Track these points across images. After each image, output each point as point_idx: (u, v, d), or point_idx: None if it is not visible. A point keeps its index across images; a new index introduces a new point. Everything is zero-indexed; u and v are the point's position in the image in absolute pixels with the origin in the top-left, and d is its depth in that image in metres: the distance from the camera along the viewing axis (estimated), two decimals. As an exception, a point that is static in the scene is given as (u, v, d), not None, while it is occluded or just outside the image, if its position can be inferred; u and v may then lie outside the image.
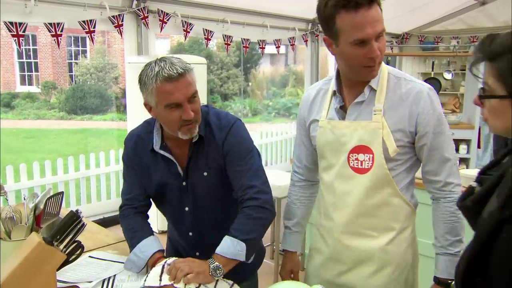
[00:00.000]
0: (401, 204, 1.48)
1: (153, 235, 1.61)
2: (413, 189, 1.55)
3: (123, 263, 1.57)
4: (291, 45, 5.94)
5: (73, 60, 16.44)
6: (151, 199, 1.69)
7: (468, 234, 1.22)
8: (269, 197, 1.53)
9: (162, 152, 1.56)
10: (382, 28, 1.32)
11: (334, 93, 1.51)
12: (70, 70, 16.46)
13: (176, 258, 1.46)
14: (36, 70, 16.38)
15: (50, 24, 3.65)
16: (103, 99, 14.43)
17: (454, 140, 5.49)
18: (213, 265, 1.37)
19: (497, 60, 0.92)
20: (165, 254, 1.59)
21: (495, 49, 0.92)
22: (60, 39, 3.80)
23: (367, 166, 1.44)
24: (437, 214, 1.51)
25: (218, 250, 1.42)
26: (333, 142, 1.49)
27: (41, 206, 1.44)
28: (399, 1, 5.69)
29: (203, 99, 4.63)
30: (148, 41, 4.44)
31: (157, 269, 1.39)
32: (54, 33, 3.69)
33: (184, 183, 1.58)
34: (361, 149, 1.44)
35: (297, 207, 1.72)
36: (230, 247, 1.41)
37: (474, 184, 1.05)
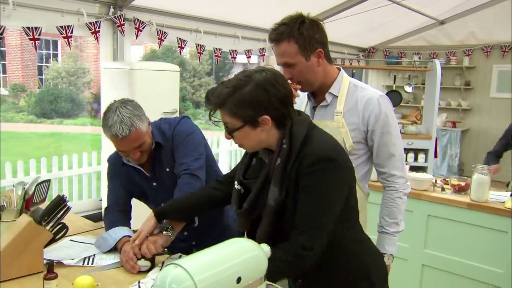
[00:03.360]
0: (358, 190, 1.72)
1: (129, 227, 1.86)
2: (368, 179, 1.86)
3: (101, 245, 1.76)
4: (261, 55, 6.20)
5: (44, 64, 16.26)
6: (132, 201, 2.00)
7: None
8: (199, 166, 1.83)
9: (129, 163, 1.88)
10: (285, 60, 1.66)
11: (308, 96, 1.85)
12: (40, 73, 16.26)
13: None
14: (4, 72, 16.12)
15: (28, 28, 3.77)
16: (75, 103, 14.34)
17: (414, 149, 5.78)
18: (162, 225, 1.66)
19: (225, 105, 1.26)
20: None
21: (217, 100, 1.26)
22: (38, 43, 3.92)
23: None
24: (382, 199, 1.81)
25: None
26: None
27: (30, 192, 1.61)
28: (366, 17, 6.04)
29: (175, 106, 4.82)
30: (123, 48, 4.60)
31: (156, 268, 1.59)
32: (32, 37, 3.81)
33: (154, 184, 1.88)
34: None
35: None
36: None
37: (238, 187, 1.40)
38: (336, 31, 5.98)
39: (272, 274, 1.09)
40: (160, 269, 1.53)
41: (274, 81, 1.26)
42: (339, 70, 1.80)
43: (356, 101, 1.73)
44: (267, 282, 0.97)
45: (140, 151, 1.75)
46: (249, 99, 1.23)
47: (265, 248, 0.95)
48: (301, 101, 1.92)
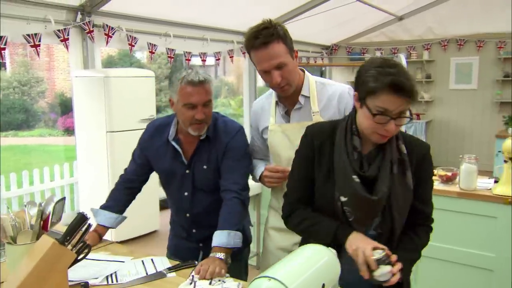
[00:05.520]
0: None
1: (120, 213, 1.95)
2: None
3: (119, 261, 1.70)
4: (230, 57, 6.19)
5: (-10, 74, 15.44)
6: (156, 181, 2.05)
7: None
8: (248, 195, 1.86)
9: (173, 143, 1.85)
10: (279, 61, 1.66)
11: (276, 103, 1.86)
12: (-12, 85, 15.44)
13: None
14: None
15: (-7, 37, 3.59)
16: (29, 114, 13.74)
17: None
18: (221, 255, 1.64)
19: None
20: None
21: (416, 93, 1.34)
22: (4, 52, 3.74)
23: None
24: None
25: (219, 243, 1.67)
26: (285, 140, 1.83)
27: (47, 212, 1.53)
28: (328, 15, 6.15)
29: (152, 112, 4.74)
30: (94, 55, 4.46)
31: (187, 281, 1.54)
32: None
33: (187, 171, 1.86)
34: None
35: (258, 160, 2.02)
36: (229, 238, 1.69)
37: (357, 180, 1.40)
38: (300, 30, 6.06)
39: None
40: (191, 283, 1.50)
41: None
42: (303, 71, 1.86)
43: (329, 97, 1.81)
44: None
45: (205, 114, 1.74)
46: None
47: (334, 251, 0.94)
48: (258, 113, 1.93)
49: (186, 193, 1.89)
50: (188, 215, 1.92)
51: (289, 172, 1.58)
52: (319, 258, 0.89)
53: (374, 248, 1.25)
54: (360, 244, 1.28)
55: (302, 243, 1.50)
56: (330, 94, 1.81)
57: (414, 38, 7.87)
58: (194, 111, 1.73)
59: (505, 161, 2.72)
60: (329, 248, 0.95)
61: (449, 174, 2.96)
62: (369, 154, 1.41)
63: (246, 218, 1.95)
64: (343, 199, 1.38)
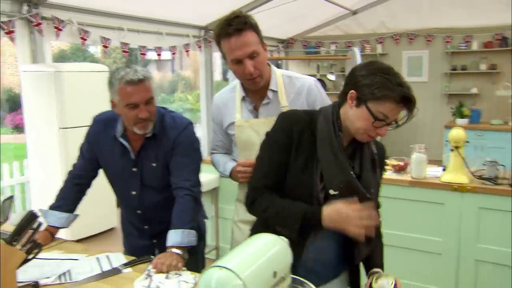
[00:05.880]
0: None
1: (70, 212, 1.90)
2: None
3: (73, 259, 1.66)
4: (186, 51, 6.12)
5: None
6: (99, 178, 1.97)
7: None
8: (200, 190, 1.85)
9: (121, 140, 1.81)
10: (252, 49, 1.64)
11: (243, 98, 1.83)
12: None
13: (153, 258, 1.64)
14: None
15: None
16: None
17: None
18: (177, 250, 1.63)
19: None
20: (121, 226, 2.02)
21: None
22: None
23: None
24: None
25: (174, 242, 1.65)
26: (254, 136, 1.80)
27: (-6, 211, 1.48)
28: (282, 9, 6.19)
29: (106, 104, 4.63)
30: (43, 49, 4.29)
31: (143, 276, 1.52)
32: None
33: (134, 169, 1.82)
34: None
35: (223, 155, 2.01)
36: (183, 237, 1.67)
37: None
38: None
39: None
40: (147, 277, 1.49)
41: None
42: (269, 65, 1.84)
43: (297, 91, 1.80)
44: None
45: (149, 112, 1.70)
46: None
47: (286, 240, 0.97)
48: (221, 108, 1.89)
49: (134, 192, 1.85)
50: (139, 211, 1.89)
51: (257, 156, 1.52)
52: (270, 247, 0.91)
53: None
54: (344, 210, 1.31)
55: (253, 233, 1.51)
56: (298, 87, 1.81)
57: (368, 32, 8.06)
58: (137, 110, 1.68)
59: (451, 150, 2.85)
60: (281, 237, 0.97)
61: (401, 163, 3.07)
62: (349, 151, 1.45)
63: (200, 213, 1.95)
64: (332, 192, 1.39)
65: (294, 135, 1.43)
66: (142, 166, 1.82)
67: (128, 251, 2.00)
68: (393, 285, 1.38)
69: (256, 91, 1.79)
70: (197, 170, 1.84)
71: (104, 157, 1.87)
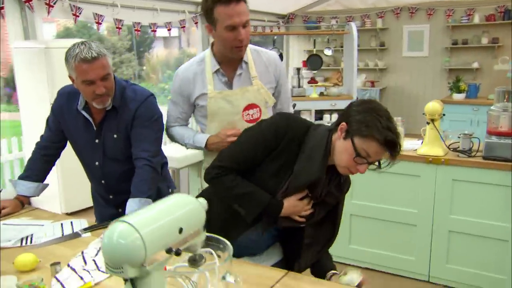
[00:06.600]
0: None
1: (40, 181, 1.99)
2: None
3: (38, 225, 1.76)
4: (182, 27, 6.13)
5: None
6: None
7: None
8: (161, 160, 1.94)
9: (83, 112, 1.86)
10: (246, 18, 1.78)
11: (217, 70, 1.93)
12: None
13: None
14: None
15: None
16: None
17: (337, 110, 6.04)
18: None
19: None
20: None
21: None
22: None
23: (257, 116, 1.97)
24: None
25: (131, 211, 1.70)
26: (227, 106, 1.93)
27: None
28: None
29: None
30: (34, 25, 4.35)
31: (98, 239, 1.61)
32: None
33: (96, 141, 1.89)
34: (251, 106, 1.95)
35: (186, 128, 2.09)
36: (140, 206, 1.72)
37: None
38: (255, -1, 6.04)
39: None
40: (101, 241, 1.57)
41: None
42: None
43: (265, 63, 1.98)
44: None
45: (105, 87, 1.74)
46: None
47: (202, 201, 1.03)
48: (190, 80, 1.95)
49: (97, 163, 1.92)
50: (103, 182, 1.97)
51: (238, 139, 1.59)
52: (181, 206, 0.98)
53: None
54: (297, 205, 1.50)
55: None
56: (265, 60, 1.99)
57: (368, 6, 7.96)
58: (93, 86, 1.72)
59: (428, 123, 2.87)
60: (198, 199, 1.03)
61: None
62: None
63: (164, 183, 2.01)
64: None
65: (283, 142, 1.47)
66: (104, 138, 1.88)
67: (98, 220, 2.09)
68: (361, 278, 1.49)
69: (230, 63, 1.92)
70: (157, 141, 1.89)
71: (69, 129, 1.93)
